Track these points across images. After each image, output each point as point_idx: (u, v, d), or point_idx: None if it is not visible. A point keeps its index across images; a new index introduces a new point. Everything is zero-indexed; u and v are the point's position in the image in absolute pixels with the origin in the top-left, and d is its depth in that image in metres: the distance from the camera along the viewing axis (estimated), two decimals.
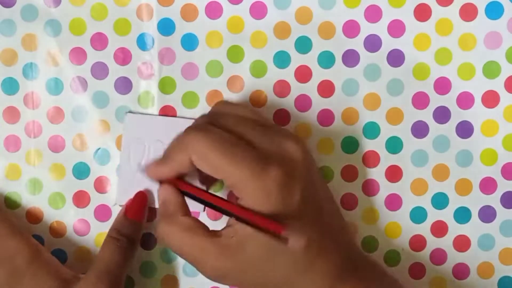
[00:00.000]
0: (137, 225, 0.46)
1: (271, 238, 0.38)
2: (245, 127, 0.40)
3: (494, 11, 0.47)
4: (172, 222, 0.40)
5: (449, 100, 0.48)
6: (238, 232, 0.39)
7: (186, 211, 0.41)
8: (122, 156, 0.47)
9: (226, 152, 0.39)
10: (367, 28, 0.47)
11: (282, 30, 0.47)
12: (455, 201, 0.48)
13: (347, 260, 0.42)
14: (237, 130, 0.40)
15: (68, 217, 0.48)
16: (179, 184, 0.41)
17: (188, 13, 0.47)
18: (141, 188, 0.46)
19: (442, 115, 0.48)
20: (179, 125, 0.45)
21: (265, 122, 0.43)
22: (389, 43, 0.47)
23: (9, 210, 0.47)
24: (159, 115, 0.47)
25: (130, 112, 0.47)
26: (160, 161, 0.41)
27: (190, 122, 0.44)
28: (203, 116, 0.43)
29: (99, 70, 0.47)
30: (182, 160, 0.40)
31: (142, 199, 0.46)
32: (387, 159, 0.48)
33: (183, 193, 0.41)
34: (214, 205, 0.40)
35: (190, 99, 0.47)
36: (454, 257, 0.48)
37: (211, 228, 0.40)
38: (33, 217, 0.48)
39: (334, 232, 0.42)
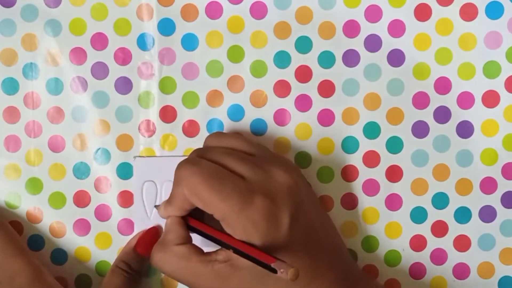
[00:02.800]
0: (145, 260, 0.47)
1: (263, 269, 0.38)
2: (234, 159, 0.42)
3: (494, 11, 0.47)
4: (165, 250, 0.42)
5: (449, 100, 0.48)
6: (233, 259, 0.41)
7: (183, 240, 0.42)
8: (136, 200, 0.47)
9: (213, 186, 0.40)
10: (367, 28, 0.47)
11: (282, 30, 0.47)
12: (455, 201, 0.48)
13: (344, 278, 0.43)
14: (226, 163, 0.41)
15: (68, 217, 0.48)
16: (188, 219, 0.43)
17: (188, 13, 0.47)
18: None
19: (442, 115, 0.48)
20: None
21: (257, 151, 0.44)
22: (389, 43, 0.47)
23: (9, 210, 0.48)
24: (166, 156, 0.48)
25: (138, 156, 0.47)
26: (167, 201, 0.43)
27: None
28: (195, 150, 0.44)
29: (99, 70, 0.47)
30: (180, 196, 0.41)
31: (153, 235, 0.46)
32: (387, 159, 0.48)
33: (190, 228, 0.43)
34: (214, 238, 0.41)
35: (190, 99, 0.47)
36: (454, 257, 0.48)
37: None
38: (33, 217, 0.48)
39: (328, 252, 0.43)
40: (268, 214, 0.40)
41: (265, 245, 0.40)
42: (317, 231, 0.43)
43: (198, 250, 0.42)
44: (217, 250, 0.42)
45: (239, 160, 0.42)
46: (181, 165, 0.41)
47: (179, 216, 0.43)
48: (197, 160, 0.42)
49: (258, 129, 0.48)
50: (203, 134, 0.48)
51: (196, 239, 0.44)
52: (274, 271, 0.37)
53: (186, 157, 0.43)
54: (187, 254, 0.41)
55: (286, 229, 0.40)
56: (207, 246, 0.43)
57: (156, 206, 0.46)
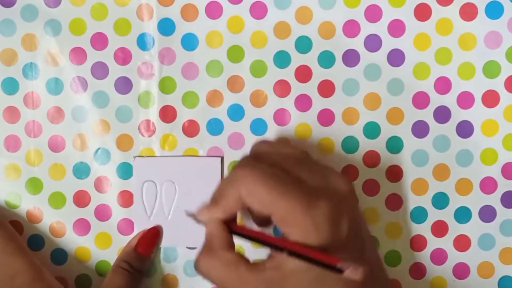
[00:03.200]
0: (146, 259, 0.47)
1: (326, 271, 0.37)
2: (290, 163, 0.41)
3: (494, 11, 0.47)
4: (213, 256, 0.40)
5: (449, 100, 0.48)
6: (283, 265, 0.39)
7: (230, 247, 0.40)
8: (136, 200, 0.47)
9: (274, 186, 0.38)
10: (367, 28, 0.47)
11: (282, 30, 0.47)
12: (456, 201, 0.48)
13: None
14: (283, 166, 0.40)
15: (68, 217, 0.48)
16: (229, 223, 0.41)
17: (188, 13, 0.47)
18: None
19: (442, 115, 0.48)
20: (187, 163, 0.47)
21: (307, 157, 0.43)
22: (389, 43, 0.47)
23: (9, 210, 0.48)
24: (166, 156, 0.48)
25: (138, 156, 0.47)
26: (212, 202, 0.41)
27: (197, 160, 0.47)
28: (246, 156, 0.42)
29: (99, 70, 0.47)
30: (232, 196, 0.39)
31: (153, 235, 0.46)
32: (387, 159, 0.48)
33: (233, 233, 0.41)
34: (264, 241, 0.39)
35: (190, 99, 0.48)
36: (454, 257, 0.48)
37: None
38: (33, 217, 0.48)
39: (374, 267, 0.42)
40: (330, 218, 0.38)
41: (322, 249, 0.38)
42: (366, 244, 0.42)
43: (245, 259, 0.40)
44: (265, 259, 0.40)
45: (297, 164, 0.41)
46: (238, 166, 0.40)
47: (222, 219, 0.41)
48: (254, 162, 0.40)
49: (258, 129, 0.48)
50: (203, 134, 0.48)
51: None
52: (338, 271, 0.36)
53: (240, 160, 0.41)
54: (235, 261, 0.39)
55: (345, 236, 0.39)
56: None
57: (189, 214, 0.42)
